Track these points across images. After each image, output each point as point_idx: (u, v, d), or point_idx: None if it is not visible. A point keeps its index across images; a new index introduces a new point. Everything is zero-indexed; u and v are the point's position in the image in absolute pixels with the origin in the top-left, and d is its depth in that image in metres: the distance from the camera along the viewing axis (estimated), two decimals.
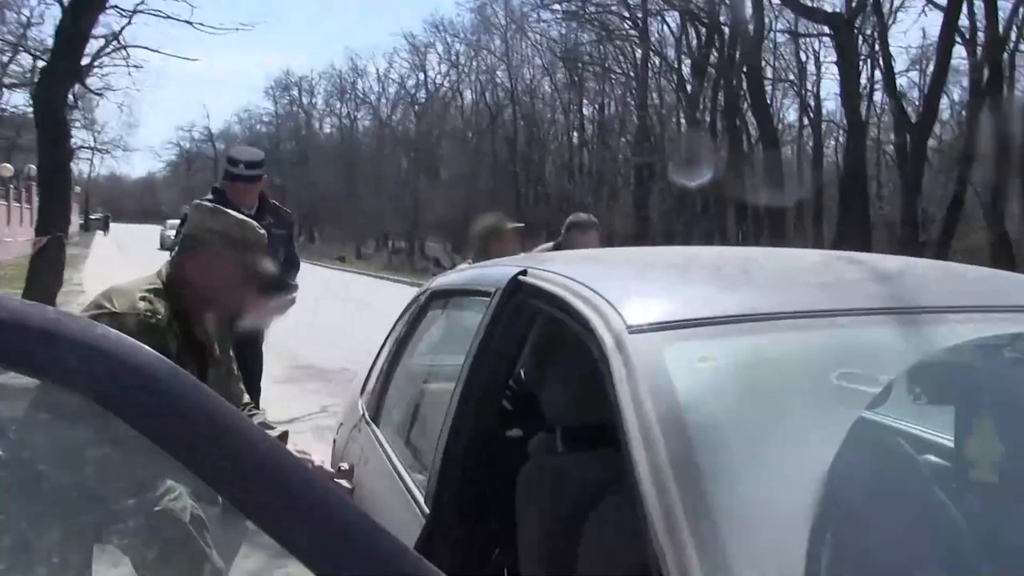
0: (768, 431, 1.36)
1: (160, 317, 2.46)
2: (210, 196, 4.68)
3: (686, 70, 28.99)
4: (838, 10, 21.84)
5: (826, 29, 23.58)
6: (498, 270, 2.26)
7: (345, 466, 2.64)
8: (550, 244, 5.03)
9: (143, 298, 2.47)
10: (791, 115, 33.31)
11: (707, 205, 26.04)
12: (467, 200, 37.29)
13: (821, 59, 30.07)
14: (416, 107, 44.20)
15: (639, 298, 1.67)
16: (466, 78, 41.81)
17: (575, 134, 37.27)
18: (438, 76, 43.64)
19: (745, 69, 21.95)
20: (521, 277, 2.04)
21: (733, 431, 1.37)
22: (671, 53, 29.99)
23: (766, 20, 23.54)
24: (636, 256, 2.47)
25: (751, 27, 21.13)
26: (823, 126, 30.65)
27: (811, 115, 30.56)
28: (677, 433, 1.34)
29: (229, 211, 2.64)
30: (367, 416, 2.83)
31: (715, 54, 26.43)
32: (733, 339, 1.54)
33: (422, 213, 40.53)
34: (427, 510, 1.98)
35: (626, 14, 29.19)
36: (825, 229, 26.25)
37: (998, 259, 17.87)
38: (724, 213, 25.59)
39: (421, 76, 43.97)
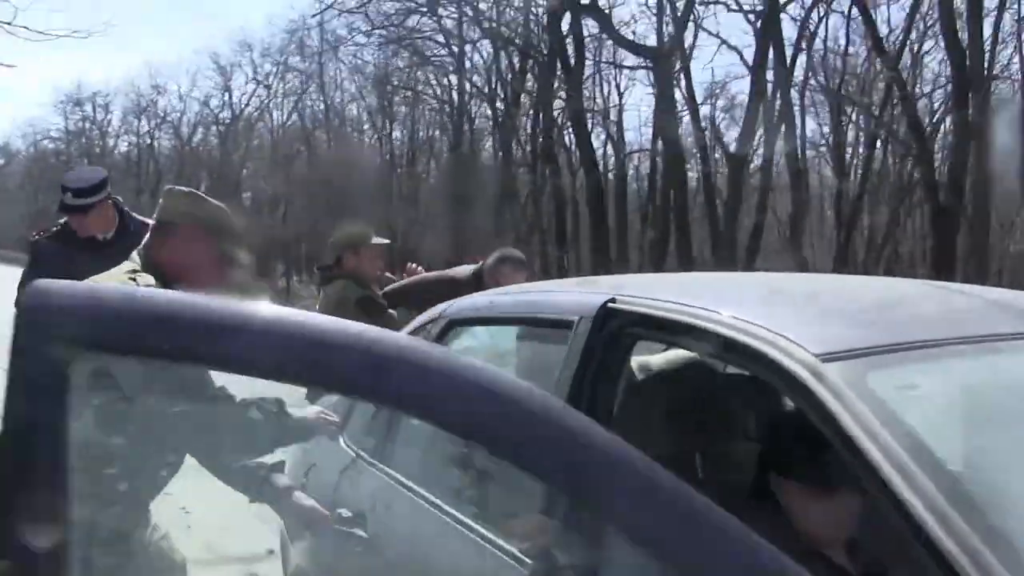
0: (1019, 458, 1.32)
1: (153, 286, 2.29)
2: (58, 224, 4.20)
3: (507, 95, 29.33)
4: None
5: (630, 61, 24.76)
6: (566, 297, 2.13)
7: (347, 512, 2.41)
8: (466, 272, 4.68)
9: (130, 274, 2.32)
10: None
11: (531, 230, 26.42)
12: (273, 224, 36.27)
13: (622, 90, 31.21)
14: (220, 127, 42.55)
15: (803, 326, 1.59)
16: (275, 99, 40.74)
17: (387, 157, 36.99)
18: (244, 96, 42.24)
19: (565, 97, 22.51)
20: (612, 305, 1.92)
21: (983, 459, 1.33)
22: (485, 79, 30.32)
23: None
24: (720, 282, 2.37)
25: (572, 59, 21.77)
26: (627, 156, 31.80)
27: (614, 144, 31.65)
28: (934, 466, 1.28)
29: (204, 196, 2.50)
30: (366, 457, 2.60)
31: (531, 80, 26.95)
32: (926, 364, 1.50)
33: None
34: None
35: (441, 39, 29.32)
36: (634, 255, 27.22)
37: None
38: (544, 239, 26.04)
39: (226, 96, 42.43)
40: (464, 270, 4.68)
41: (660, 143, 24.43)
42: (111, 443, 1.83)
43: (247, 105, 41.94)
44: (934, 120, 22.09)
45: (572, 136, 25.90)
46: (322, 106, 37.67)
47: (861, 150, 24.38)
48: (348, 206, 36.65)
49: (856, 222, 23.09)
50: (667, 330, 1.78)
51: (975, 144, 16.04)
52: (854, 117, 24.48)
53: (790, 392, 1.48)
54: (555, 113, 25.02)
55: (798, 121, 23.58)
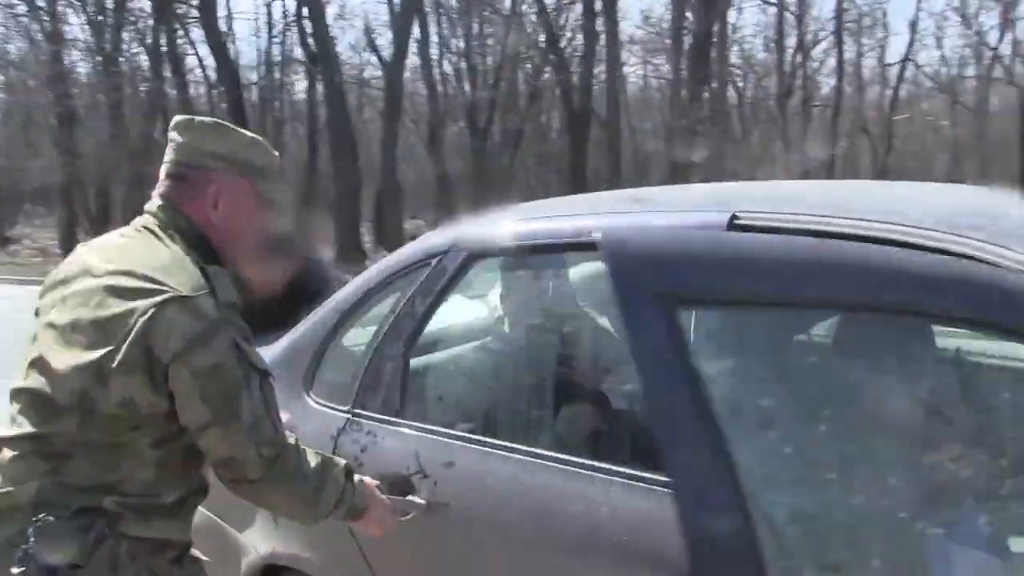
0: None
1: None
2: None
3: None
4: None
5: None
6: (669, 216, 1.98)
7: (370, 479, 2.11)
8: None
9: (202, 268, 1.77)
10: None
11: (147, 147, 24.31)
12: None
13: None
14: None
15: (1007, 236, 1.64)
16: None
17: None
18: None
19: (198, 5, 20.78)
20: (740, 222, 1.86)
21: None
22: None
23: None
24: (837, 192, 2.26)
25: None
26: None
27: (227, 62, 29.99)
28: None
29: (237, 128, 1.94)
30: (373, 416, 2.29)
31: None
32: None
33: None
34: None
35: None
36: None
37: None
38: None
39: None
40: None
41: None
42: None
43: None
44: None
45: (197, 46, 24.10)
46: None
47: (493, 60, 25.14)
48: None
49: (489, 130, 24.04)
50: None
51: (607, 50, 17.27)
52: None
53: None
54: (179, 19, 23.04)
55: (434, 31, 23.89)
